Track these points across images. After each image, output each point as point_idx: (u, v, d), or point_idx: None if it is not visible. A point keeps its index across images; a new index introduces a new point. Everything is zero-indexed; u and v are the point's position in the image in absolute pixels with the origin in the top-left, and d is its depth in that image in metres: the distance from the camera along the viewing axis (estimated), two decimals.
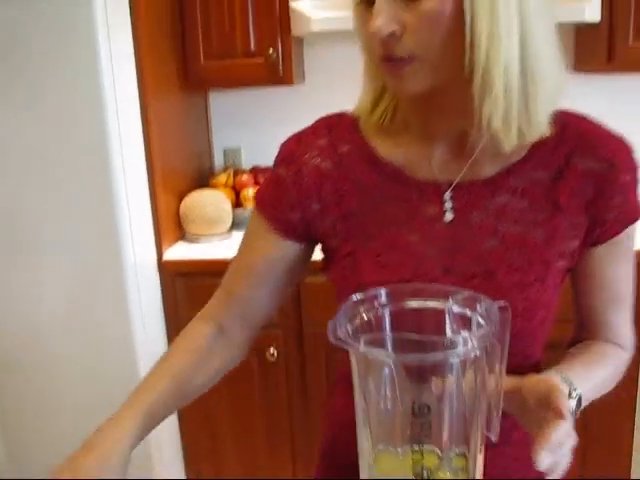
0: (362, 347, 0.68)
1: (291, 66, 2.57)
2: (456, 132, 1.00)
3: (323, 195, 1.05)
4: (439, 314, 0.78)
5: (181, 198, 2.62)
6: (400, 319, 0.77)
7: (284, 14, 2.51)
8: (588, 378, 0.95)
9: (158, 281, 2.46)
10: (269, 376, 2.51)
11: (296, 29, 2.50)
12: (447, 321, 0.78)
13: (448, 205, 1.00)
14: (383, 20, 0.88)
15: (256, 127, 2.99)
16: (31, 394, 2.38)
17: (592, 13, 2.39)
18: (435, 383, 0.72)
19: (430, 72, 0.90)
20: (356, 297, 0.76)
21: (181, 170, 2.68)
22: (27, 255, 2.25)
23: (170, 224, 2.52)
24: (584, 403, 0.90)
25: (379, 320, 0.76)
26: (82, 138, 2.13)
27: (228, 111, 3.02)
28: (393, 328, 0.76)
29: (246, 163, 3.02)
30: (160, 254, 2.44)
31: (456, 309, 0.78)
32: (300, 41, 2.77)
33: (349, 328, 0.71)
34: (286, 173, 1.07)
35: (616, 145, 0.99)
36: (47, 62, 2.09)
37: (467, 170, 1.00)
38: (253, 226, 1.13)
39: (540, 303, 0.98)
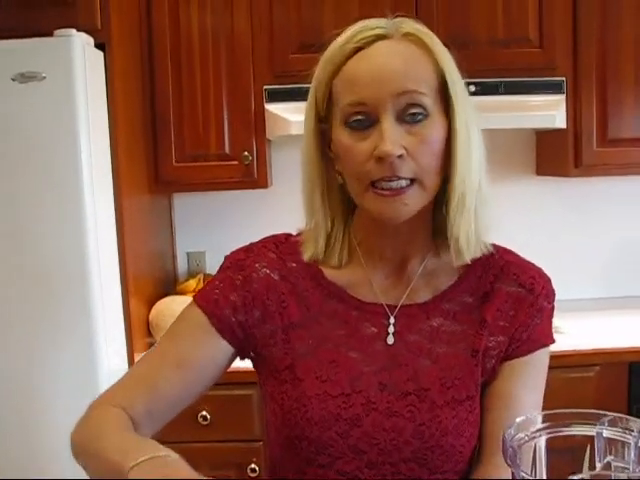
0: None
1: (265, 169, 2.55)
2: (399, 259, 1.08)
3: (268, 303, 1.06)
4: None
5: (149, 304, 2.49)
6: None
7: (259, 117, 2.49)
8: None
9: None
10: None
11: (272, 132, 2.48)
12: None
13: (391, 329, 1.05)
14: (394, 142, 0.93)
15: (220, 230, 2.91)
16: None
17: (561, 120, 2.47)
18: None
19: (423, 195, 0.98)
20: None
21: (149, 275, 2.58)
22: None
23: (140, 332, 2.39)
24: None
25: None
26: (61, 243, 2.03)
27: (191, 214, 2.94)
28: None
29: (210, 267, 2.92)
30: (132, 362, 2.29)
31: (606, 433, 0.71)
32: (269, 144, 2.75)
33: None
34: (235, 276, 1.08)
35: (536, 273, 1.08)
36: (32, 162, 2.01)
37: (405, 295, 1.07)
38: (189, 321, 1.08)
39: (468, 421, 1.01)
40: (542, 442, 0.69)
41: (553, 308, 1.09)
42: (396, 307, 1.07)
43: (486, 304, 1.06)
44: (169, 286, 2.77)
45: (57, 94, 1.98)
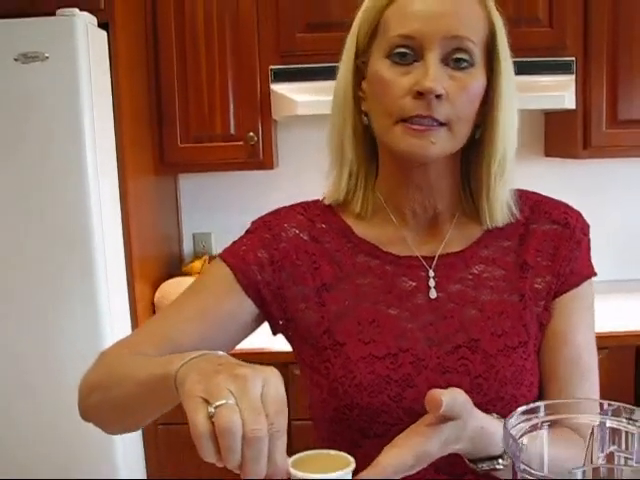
0: None
1: (271, 150, 2.52)
2: (430, 215, 1.05)
3: (297, 264, 1.04)
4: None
5: (155, 286, 2.48)
6: None
7: (265, 97, 2.47)
8: None
9: None
10: None
11: (278, 112, 2.46)
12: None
13: (432, 283, 1.03)
14: (437, 80, 0.92)
15: (226, 212, 2.89)
16: None
17: (570, 101, 2.44)
18: None
19: (451, 141, 0.96)
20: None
21: (154, 257, 2.57)
22: None
23: (146, 313, 2.38)
24: None
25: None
26: (66, 227, 2.03)
27: (197, 195, 2.93)
28: None
29: (216, 249, 2.91)
30: None
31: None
32: (275, 125, 2.73)
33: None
34: (263, 234, 1.06)
35: (567, 208, 1.08)
36: (36, 143, 2.00)
37: (441, 247, 1.05)
38: (213, 275, 1.07)
39: (525, 368, 0.98)
40: (544, 432, 0.68)
41: (589, 240, 1.08)
42: (432, 259, 1.04)
43: (524, 246, 1.05)
44: (175, 268, 2.76)
45: (60, 74, 1.96)
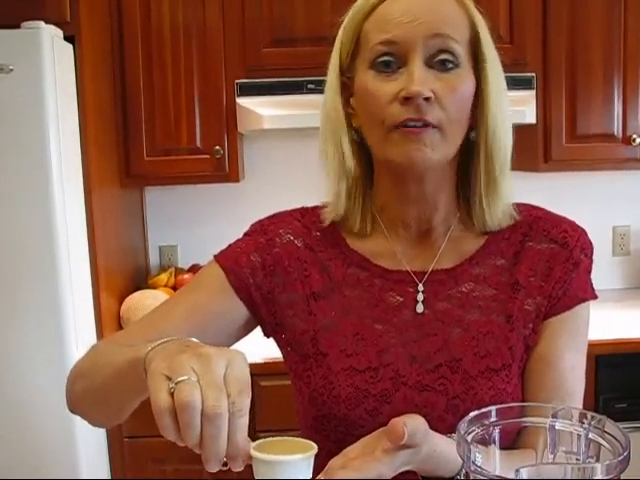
0: None
1: (237, 163, 2.54)
2: (424, 228, 1.04)
3: (289, 270, 1.04)
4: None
5: (121, 299, 2.48)
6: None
7: (231, 111, 2.49)
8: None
9: None
10: None
11: (244, 126, 2.48)
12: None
13: (420, 297, 1.01)
14: (423, 83, 0.90)
15: (192, 224, 2.89)
16: None
17: (530, 115, 2.50)
18: None
19: (444, 144, 0.94)
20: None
21: (120, 269, 2.56)
22: None
23: (111, 326, 2.38)
24: None
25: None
26: (31, 239, 2.01)
27: (163, 208, 2.93)
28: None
29: (182, 261, 2.91)
30: None
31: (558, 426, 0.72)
32: (241, 138, 2.75)
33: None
34: (258, 238, 1.06)
35: (568, 226, 1.04)
36: (1, 156, 1.98)
37: (433, 263, 1.03)
38: (206, 276, 1.07)
39: (506, 392, 0.96)
40: (496, 435, 0.70)
41: (591, 262, 1.04)
42: (422, 274, 1.02)
43: (517, 265, 1.02)
44: (140, 280, 2.75)
45: (25, 87, 1.95)
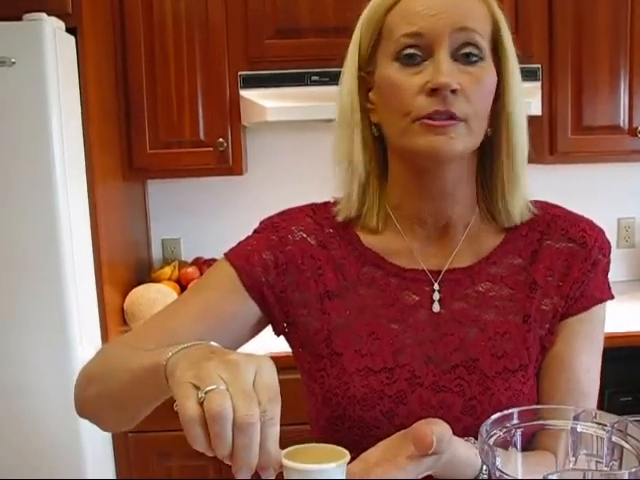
0: None
1: (241, 156, 2.52)
2: (441, 225, 1.02)
3: (302, 268, 1.02)
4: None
5: (124, 292, 2.47)
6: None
7: (234, 103, 2.47)
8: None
9: None
10: None
11: (247, 119, 2.46)
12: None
13: (436, 296, 1.00)
14: (450, 75, 0.90)
15: (195, 217, 2.87)
16: None
17: (536, 107, 2.48)
18: None
19: (470, 137, 0.93)
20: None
21: (123, 262, 2.55)
22: None
23: (115, 320, 2.37)
24: None
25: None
26: (34, 233, 2.00)
27: (166, 201, 2.91)
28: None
29: (185, 254, 2.90)
30: None
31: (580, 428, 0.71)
32: (244, 131, 2.73)
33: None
34: (270, 236, 1.04)
35: (587, 225, 1.03)
36: (3, 149, 1.97)
37: (449, 261, 1.01)
38: (217, 274, 1.05)
39: (523, 393, 0.95)
40: (517, 438, 0.69)
41: (609, 262, 1.03)
42: (438, 273, 1.01)
43: (535, 264, 1.01)
44: (144, 274, 2.74)
45: (27, 80, 1.93)
